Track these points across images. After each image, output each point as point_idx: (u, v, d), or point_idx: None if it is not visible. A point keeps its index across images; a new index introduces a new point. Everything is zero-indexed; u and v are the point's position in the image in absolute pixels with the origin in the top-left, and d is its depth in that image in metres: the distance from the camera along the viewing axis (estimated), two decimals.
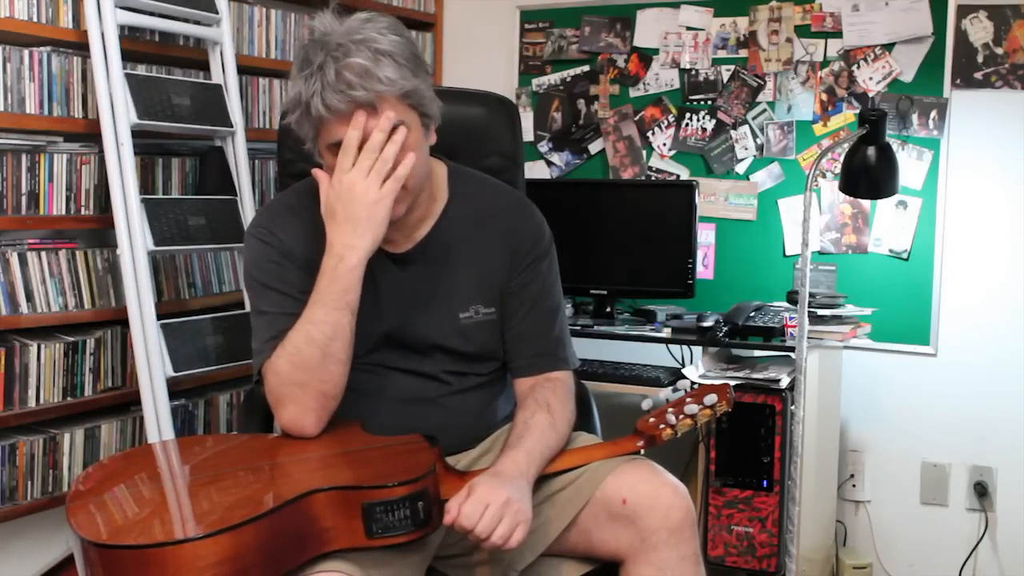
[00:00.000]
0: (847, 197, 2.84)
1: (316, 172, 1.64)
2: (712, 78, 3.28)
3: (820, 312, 2.79)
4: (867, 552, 3.13)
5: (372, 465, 1.55)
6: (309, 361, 1.60)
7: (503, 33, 3.59)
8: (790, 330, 2.73)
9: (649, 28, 3.36)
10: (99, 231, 2.66)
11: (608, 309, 3.13)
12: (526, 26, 3.55)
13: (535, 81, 3.53)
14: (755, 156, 3.23)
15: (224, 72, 2.77)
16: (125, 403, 2.67)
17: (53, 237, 2.56)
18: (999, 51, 2.92)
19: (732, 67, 3.25)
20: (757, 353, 2.87)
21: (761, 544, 2.63)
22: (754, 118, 3.23)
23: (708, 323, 2.84)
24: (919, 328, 3.03)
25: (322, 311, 1.60)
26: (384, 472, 1.50)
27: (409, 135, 1.62)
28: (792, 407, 2.51)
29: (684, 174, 3.33)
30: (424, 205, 1.75)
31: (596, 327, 3.00)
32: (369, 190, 1.57)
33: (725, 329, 2.80)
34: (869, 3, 3.06)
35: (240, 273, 2.90)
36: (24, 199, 2.45)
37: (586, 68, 3.46)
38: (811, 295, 2.76)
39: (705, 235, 3.24)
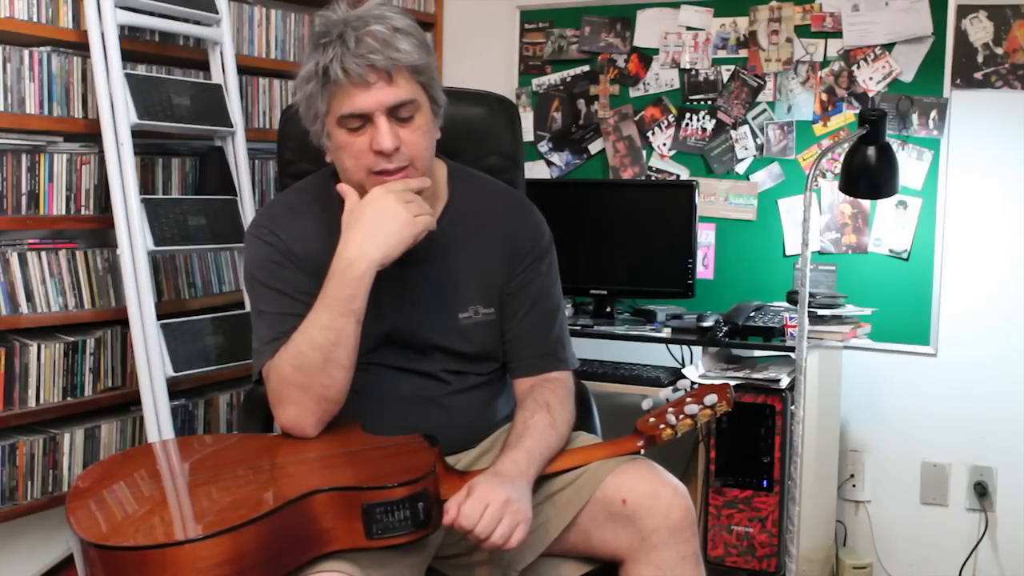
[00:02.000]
0: (847, 197, 2.84)
1: (342, 187, 1.65)
2: (712, 78, 3.28)
3: (820, 312, 2.79)
4: (867, 552, 3.13)
5: (372, 465, 1.55)
6: (311, 365, 1.60)
7: (503, 33, 3.59)
8: (790, 330, 2.73)
9: (649, 28, 3.36)
10: (99, 231, 2.66)
11: (608, 309, 3.13)
12: (526, 26, 3.55)
13: (535, 81, 3.53)
14: (755, 156, 3.23)
15: (224, 72, 2.77)
16: (125, 403, 2.67)
17: (53, 237, 2.56)
18: (999, 51, 2.92)
19: (732, 67, 3.25)
20: (757, 353, 2.87)
21: (761, 544, 2.63)
22: (754, 118, 3.23)
23: (708, 323, 2.84)
24: (919, 328, 3.03)
25: (327, 316, 1.60)
26: (384, 473, 1.50)
27: (420, 116, 1.64)
28: (792, 407, 2.51)
29: (684, 174, 3.33)
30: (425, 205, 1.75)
31: (596, 327, 3.00)
32: (402, 212, 1.60)
33: (725, 329, 2.80)
34: (869, 3, 3.06)
35: (240, 273, 2.91)
36: (24, 199, 2.45)
37: (586, 68, 3.46)
38: (811, 295, 2.76)
39: (705, 235, 3.24)
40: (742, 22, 3.23)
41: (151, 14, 2.57)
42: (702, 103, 3.30)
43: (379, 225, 1.59)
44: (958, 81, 2.97)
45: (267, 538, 1.37)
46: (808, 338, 2.37)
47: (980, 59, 2.94)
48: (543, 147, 3.52)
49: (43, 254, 2.49)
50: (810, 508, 2.73)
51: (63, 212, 2.53)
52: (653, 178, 3.36)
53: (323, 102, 1.62)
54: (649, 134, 3.37)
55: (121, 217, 2.44)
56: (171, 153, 2.80)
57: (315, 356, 1.60)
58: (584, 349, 2.73)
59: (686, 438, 1.98)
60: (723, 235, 3.27)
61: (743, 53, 3.23)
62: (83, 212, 2.57)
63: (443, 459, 1.60)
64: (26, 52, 2.42)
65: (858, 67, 3.09)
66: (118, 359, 2.64)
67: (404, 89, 1.61)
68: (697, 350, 2.97)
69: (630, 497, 1.60)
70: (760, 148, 3.22)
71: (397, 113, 1.61)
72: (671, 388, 1.76)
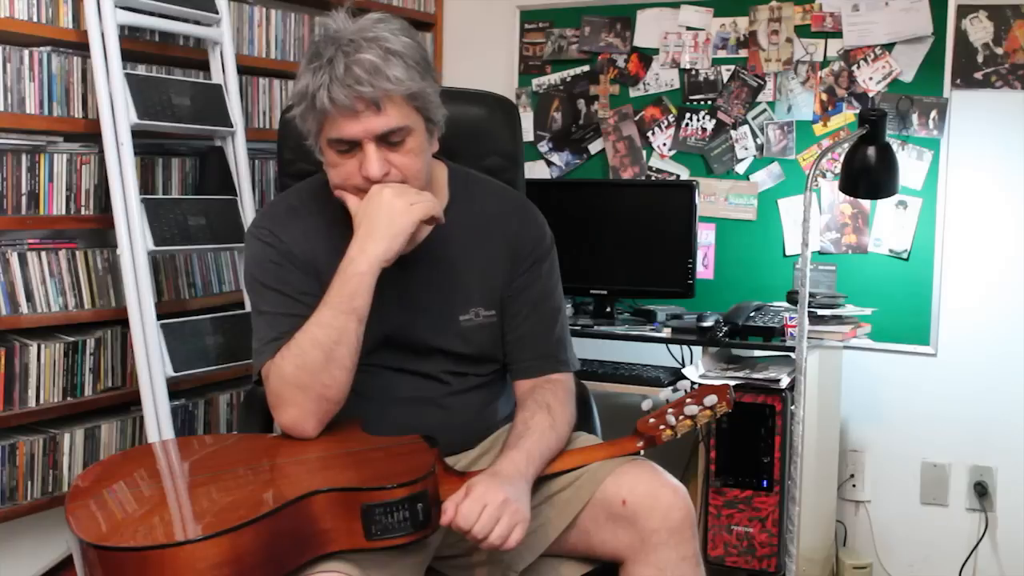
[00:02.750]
0: (847, 197, 2.84)
1: (343, 194, 1.65)
2: (712, 78, 3.28)
3: (820, 312, 2.79)
4: (867, 552, 3.13)
5: (372, 466, 1.55)
6: (312, 364, 1.60)
7: (503, 33, 3.59)
8: (790, 330, 2.73)
9: (649, 28, 3.36)
10: (99, 231, 2.66)
11: (608, 309, 3.13)
12: (526, 26, 3.55)
13: (535, 81, 3.53)
14: (755, 156, 3.23)
15: (224, 72, 2.77)
16: (125, 403, 2.67)
17: (53, 237, 2.56)
18: (999, 51, 2.92)
19: (732, 67, 3.25)
20: (757, 353, 2.87)
21: (761, 544, 2.63)
22: (754, 118, 3.23)
23: (708, 323, 2.84)
24: (919, 328, 3.03)
25: (329, 314, 1.60)
26: (384, 473, 1.50)
27: (412, 139, 1.63)
28: (792, 407, 2.51)
29: (684, 174, 3.33)
30: None
31: (596, 327, 3.00)
32: (396, 203, 1.59)
33: (725, 329, 2.80)
34: (869, 3, 3.06)
35: (240, 273, 2.91)
36: (24, 199, 2.45)
37: (586, 68, 3.46)
38: (811, 295, 2.76)
39: (705, 235, 3.24)
40: (742, 22, 3.23)
41: (151, 14, 2.57)
42: (702, 103, 3.30)
43: (376, 220, 1.60)
44: (958, 81, 2.97)
45: (266, 539, 1.37)
46: (808, 338, 2.37)
47: (980, 59, 2.94)
48: (543, 147, 3.52)
49: (43, 254, 2.49)
50: (810, 508, 2.73)
51: (63, 212, 2.53)
52: (653, 178, 3.36)
53: (314, 123, 1.62)
54: (649, 134, 3.37)
55: (121, 217, 2.44)
56: (171, 153, 2.80)
57: (316, 354, 1.60)
58: (584, 349, 2.73)
59: (686, 438, 1.98)
60: (723, 235, 3.27)
61: (743, 53, 3.23)
62: (83, 212, 2.57)
63: (442, 460, 1.60)
64: (26, 52, 2.42)
65: (858, 67, 3.09)
66: (118, 359, 2.64)
67: (393, 117, 1.59)
68: (697, 350, 2.97)
69: (630, 498, 1.60)
70: (760, 148, 3.22)
71: (387, 139, 1.61)
72: (671, 388, 1.76)
